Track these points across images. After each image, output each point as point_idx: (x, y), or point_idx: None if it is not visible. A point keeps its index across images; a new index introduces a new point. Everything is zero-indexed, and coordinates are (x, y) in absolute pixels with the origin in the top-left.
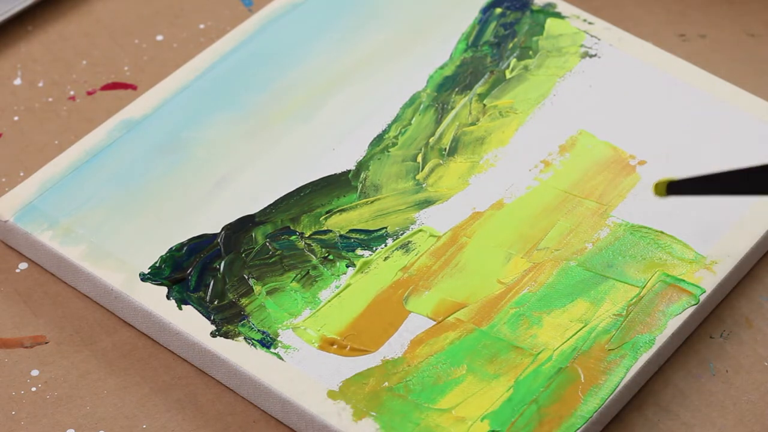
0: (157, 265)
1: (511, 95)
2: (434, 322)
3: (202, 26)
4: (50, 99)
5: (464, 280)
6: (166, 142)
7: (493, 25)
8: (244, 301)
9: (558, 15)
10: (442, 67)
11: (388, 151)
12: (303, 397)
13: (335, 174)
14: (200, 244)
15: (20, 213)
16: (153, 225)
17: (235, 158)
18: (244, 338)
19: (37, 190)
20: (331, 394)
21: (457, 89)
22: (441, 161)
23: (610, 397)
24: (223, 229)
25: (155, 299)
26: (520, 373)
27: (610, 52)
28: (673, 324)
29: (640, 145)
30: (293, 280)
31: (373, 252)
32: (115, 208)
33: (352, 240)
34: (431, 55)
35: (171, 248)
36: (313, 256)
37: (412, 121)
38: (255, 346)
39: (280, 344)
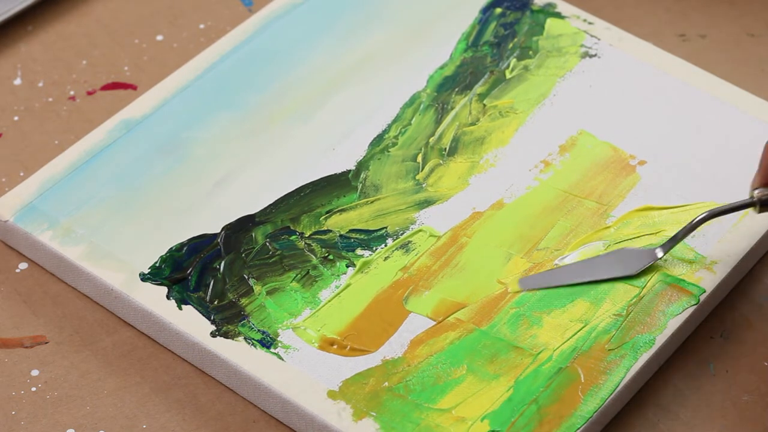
0: (157, 265)
1: (511, 95)
2: (434, 322)
3: (202, 26)
4: (50, 99)
5: (464, 280)
6: (166, 142)
7: (493, 25)
8: (244, 301)
9: (558, 15)
10: (442, 67)
11: (388, 151)
12: (303, 397)
13: (335, 174)
14: (200, 244)
15: (20, 213)
16: (153, 225)
17: (235, 158)
18: (244, 338)
19: (37, 190)
20: (331, 394)
21: (457, 89)
22: (441, 161)
23: (610, 397)
24: (223, 229)
25: (155, 299)
26: (520, 373)
27: (610, 52)
28: (673, 324)
29: (640, 145)
30: (293, 280)
31: (373, 252)
32: (115, 208)
33: (352, 240)
34: (431, 55)
35: (171, 248)
36: (313, 256)
37: (412, 121)
38: (255, 346)
39: (280, 344)
